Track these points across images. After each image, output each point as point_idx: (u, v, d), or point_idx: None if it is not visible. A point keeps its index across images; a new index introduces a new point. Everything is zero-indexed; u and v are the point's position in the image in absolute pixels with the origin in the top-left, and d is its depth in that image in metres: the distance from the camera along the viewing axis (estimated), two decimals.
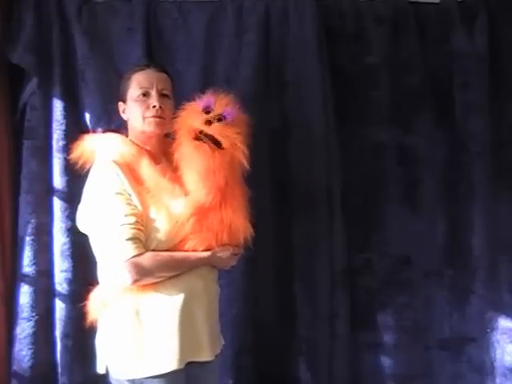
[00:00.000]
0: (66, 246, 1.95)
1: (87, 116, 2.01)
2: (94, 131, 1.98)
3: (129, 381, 1.50)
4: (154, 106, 1.57)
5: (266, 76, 2.10)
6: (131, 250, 1.45)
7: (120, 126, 1.71)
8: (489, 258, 2.18)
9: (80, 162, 1.57)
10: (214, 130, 1.54)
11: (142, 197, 1.51)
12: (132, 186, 1.50)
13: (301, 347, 2.09)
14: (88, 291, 1.58)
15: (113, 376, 1.54)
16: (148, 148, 1.62)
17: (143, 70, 1.63)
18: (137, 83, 1.61)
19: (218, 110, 1.56)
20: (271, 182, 2.11)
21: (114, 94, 1.99)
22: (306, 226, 2.10)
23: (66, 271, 1.95)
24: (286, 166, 2.12)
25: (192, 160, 1.54)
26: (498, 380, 2.19)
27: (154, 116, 1.58)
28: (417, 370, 2.19)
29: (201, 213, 1.53)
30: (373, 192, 2.17)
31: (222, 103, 1.58)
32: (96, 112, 1.99)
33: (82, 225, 1.60)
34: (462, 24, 2.19)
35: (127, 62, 2.01)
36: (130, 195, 1.49)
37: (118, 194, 1.48)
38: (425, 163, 2.19)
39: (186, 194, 1.56)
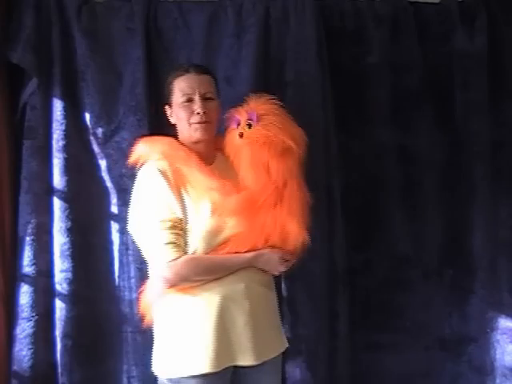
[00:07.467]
0: (66, 246, 1.95)
1: (87, 116, 2.01)
2: (95, 132, 1.98)
3: (168, 380, 1.53)
4: (198, 113, 1.57)
5: (266, 76, 2.10)
6: (169, 254, 1.48)
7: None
8: (489, 258, 2.18)
9: (138, 166, 1.59)
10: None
11: (184, 201, 1.52)
12: (176, 190, 1.51)
13: (301, 347, 2.09)
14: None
15: (157, 375, 1.59)
16: (198, 149, 1.61)
17: (183, 74, 1.62)
18: (179, 89, 1.61)
19: (242, 119, 1.60)
20: None
21: (114, 95, 2.01)
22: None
23: (65, 271, 1.95)
24: None
25: (243, 155, 1.58)
26: (497, 380, 2.19)
27: (198, 122, 1.58)
28: (417, 370, 2.19)
29: (252, 209, 1.53)
30: (373, 192, 2.17)
31: (241, 112, 1.62)
32: (96, 112, 1.99)
33: (130, 227, 1.61)
34: (462, 24, 2.19)
35: (127, 62, 2.01)
36: (172, 199, 1.51)
37: (159, 198, 1.50)
38: (425, 163, 2.19)
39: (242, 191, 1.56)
